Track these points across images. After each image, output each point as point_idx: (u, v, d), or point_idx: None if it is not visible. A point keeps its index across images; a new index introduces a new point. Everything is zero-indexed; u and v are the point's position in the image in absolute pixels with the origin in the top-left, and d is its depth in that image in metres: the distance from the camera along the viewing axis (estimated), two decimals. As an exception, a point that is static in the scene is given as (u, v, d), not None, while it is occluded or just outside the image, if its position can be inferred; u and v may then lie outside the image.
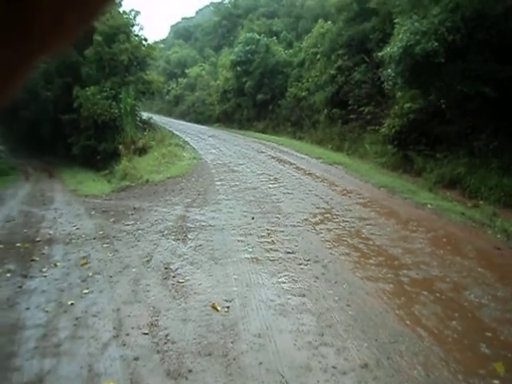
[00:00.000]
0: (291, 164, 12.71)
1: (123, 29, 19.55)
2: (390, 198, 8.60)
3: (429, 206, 7.74)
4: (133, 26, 20.41)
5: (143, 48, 20.25)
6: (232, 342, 3.47)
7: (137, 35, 20.40)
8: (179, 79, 33.14)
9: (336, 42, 17.34)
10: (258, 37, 23.31)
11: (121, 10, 20.41)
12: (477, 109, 9.60)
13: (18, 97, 20.35)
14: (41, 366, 3.24)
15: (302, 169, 11.89)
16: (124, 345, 3.49)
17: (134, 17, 20.44)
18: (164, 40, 43.90)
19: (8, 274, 5.17)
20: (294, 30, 25.22)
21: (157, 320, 3.86)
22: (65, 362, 3.29)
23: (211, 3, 42.37)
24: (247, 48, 22.98)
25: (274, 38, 23.93)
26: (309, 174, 11.17)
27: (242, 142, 18.61)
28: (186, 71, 32.72)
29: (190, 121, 29.81)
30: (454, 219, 6.93)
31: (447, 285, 4.49)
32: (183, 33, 44.79)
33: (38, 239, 6.67)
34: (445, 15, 9.43)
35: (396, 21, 11.26)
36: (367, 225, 6.64)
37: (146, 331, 3.68)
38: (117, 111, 18.31)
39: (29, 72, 0.29)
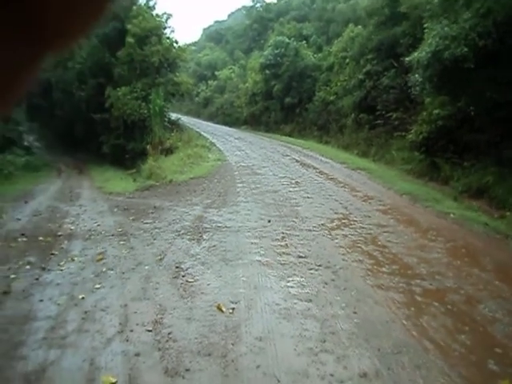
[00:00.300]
0: (314, 168, 12.62)
1: (155, 31, 19.96)
2: (411, 205, 8.41)
3: (451, 215, 7.52)
4: (165, 28, 20.83)
5: (174, 50, 20.59)
6: (232, 344, 3.47)
7: (168, 37, 20.79)
8: (209, 81, 33.60)
9: (365, 47, 17.15)
10: (287, 40, 23.34)
11: (154, 13, 20.91)
12: (507, 117, 9.27)
13: (55, 96, 21.19)
14: (45, 357, 3.34)
15: (325, 173, 11.79)
16: (127, 340, 3.56)
17: (166, 20, 20.89)
18: (196, 43, 44.65)
19: (27, 266, 5.36)
20: (324, 34, 25.12)
21: (162, 318, 3.91)
22: (69, 354, 3.38)
23: (243, 7, 42.77)
24: (276, 51, 23.03)
25: (304, 41, 23.89)
26: (331, 178, 11.07)
27: (267, 145, 18.63)
28: (216, 73, 33.15)
29: (217, 123, 30.13)
30: (477, 230, 6.70)
31: (460, 297, 4.35)
32: (215, 36, 45.40)
33: (59, 234, 6.89)
34: (476, 20, 9.15)
35: (426, 25, 11.01)
36: (384, 232, 6.52)
37: (150, 328, 3.73)
38: (146, 112, 18.70)
39: (33, 74, 0.28)
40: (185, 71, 25.57)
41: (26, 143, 21.27)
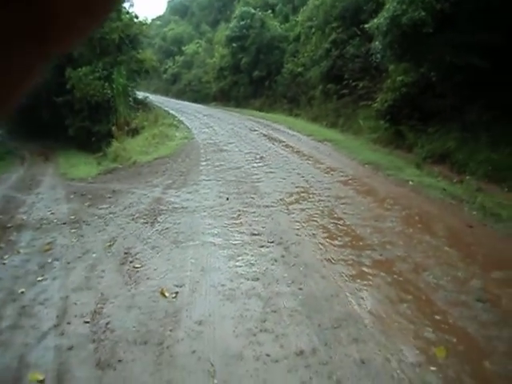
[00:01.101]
0: (281, 142, 12.48)
1: (113, 6, 19.10)
2: (373, 175, 8.39)
3: (410, 182, 7.53)
4: (123, 2, 19.93)
5: (135, 25, 19.82)
6: (171, 330, 3.39)
7: (127, 12, 19.96)
8: (176, 57, 32.57)
9: (330, 14, 16.79)
10: (253, 11, 22.70)
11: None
12: (468, 81, 9.23)
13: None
14: (-26, 357, 3.20)
15: (291, 146, 11.67)
16: (62, 334, 3.43)
17: (125, -6, 19.98)
18: (161, 17, 43.03)
19: (-30, 262, 5.14)
20: (290, 3, 24.46)
21: (102, 307, 3.79)
22: (-2, 353, 3.25)
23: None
24: (242, 23, 22.42)
25: (270, 11, 23.27)
26: (296, 151, 10.96)
27: (236, 121, 18.34)
28: (183, 48, 32.14)
29: (187, 99, 29.42)
30: (433, 196, 6.72)
31: (408, 265, 4.35)
32: (180, 8, 43.61)
33: (9, 225, 6.63)
34: (433, -18, 8.98)
35: (384, -11, 10.77)
36: (342, 204, 6.48)
37: (88, 319, 3.62)
38: (110, 92, 18.08)
39: (38, 73, 0.29)
40: (150, 47, 24.77)
41: (-13, 131, 20.41)
